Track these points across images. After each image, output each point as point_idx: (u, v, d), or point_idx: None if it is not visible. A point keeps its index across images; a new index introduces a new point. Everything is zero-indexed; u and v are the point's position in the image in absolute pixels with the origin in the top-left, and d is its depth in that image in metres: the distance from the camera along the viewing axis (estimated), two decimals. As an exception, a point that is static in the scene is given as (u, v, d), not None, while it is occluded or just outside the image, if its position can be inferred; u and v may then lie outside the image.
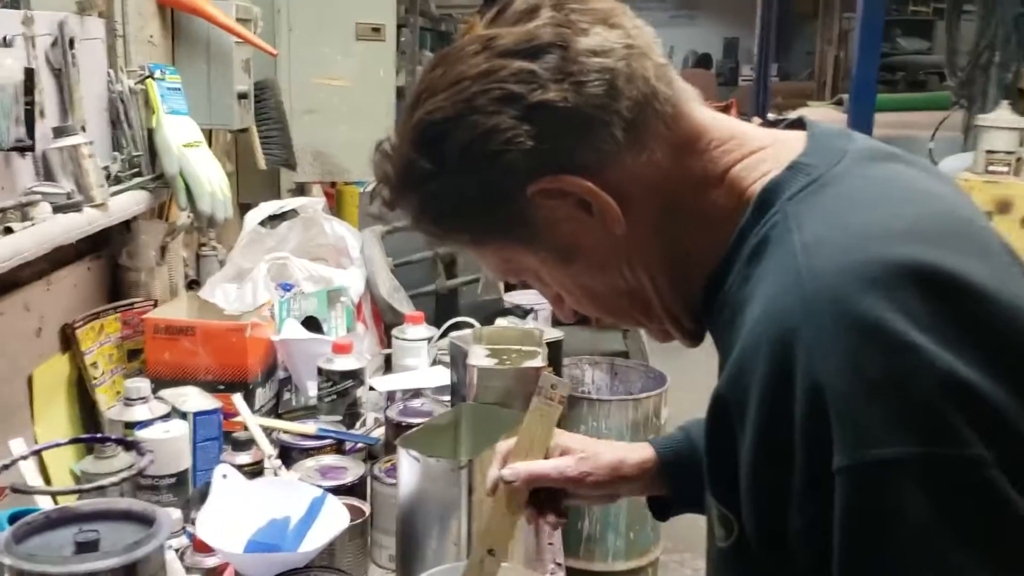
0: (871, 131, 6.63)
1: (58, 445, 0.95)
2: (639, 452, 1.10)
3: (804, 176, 0.76)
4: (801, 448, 0.66)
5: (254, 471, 1.48)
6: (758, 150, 0.81)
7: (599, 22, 0.78)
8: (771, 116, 8.15)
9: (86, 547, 0.79)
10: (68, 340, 1.66)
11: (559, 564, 1.49)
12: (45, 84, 1.52)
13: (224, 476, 1.27)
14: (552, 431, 1.03)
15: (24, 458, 0.94)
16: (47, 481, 1.52)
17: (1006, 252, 0.72)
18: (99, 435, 1.14)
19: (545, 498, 1.05)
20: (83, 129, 1.61)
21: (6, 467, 0.89)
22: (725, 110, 8.51)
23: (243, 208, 2.51)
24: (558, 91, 0.75)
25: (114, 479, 0.82)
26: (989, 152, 3.67)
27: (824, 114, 7.96)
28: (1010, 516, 0.62)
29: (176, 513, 1.32)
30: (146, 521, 0.84)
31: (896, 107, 7.64)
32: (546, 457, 1.04)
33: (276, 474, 1.42)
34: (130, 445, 1.11)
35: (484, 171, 0.77)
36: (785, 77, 12.73)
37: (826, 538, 0.65)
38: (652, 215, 0.81)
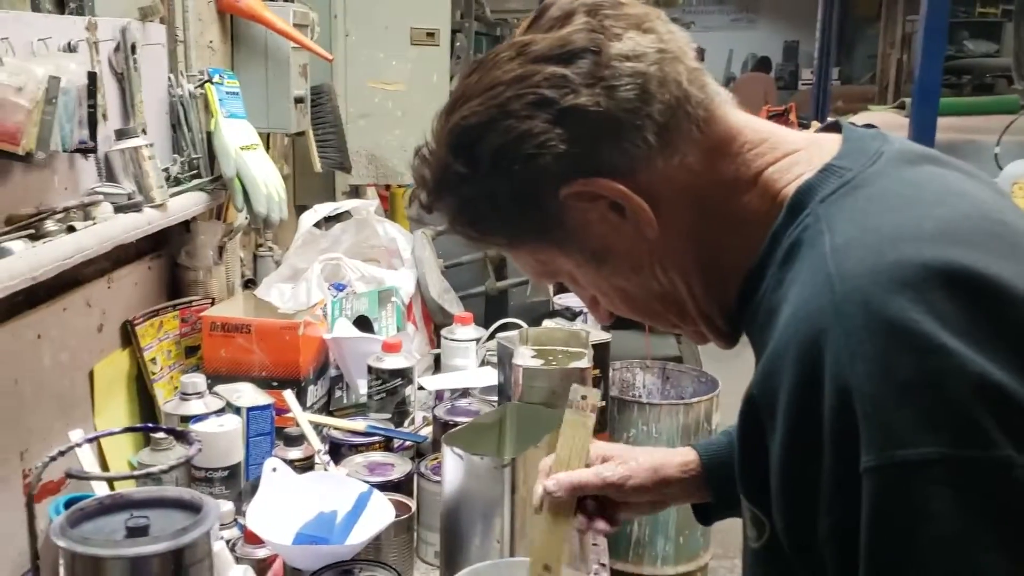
0: (934, 136, 6.49)
1: (111, 434, 0.99)
2: (680, 455, 1.10)
3: (837, 178, 0.76)
4: (829, 449, 0.66)
5: (304, 466, 1.52)
6: (792, 152, 0.81)
7: (633, 27, 0.79)
8: (831, 120, 8.03)
9: (136, 532, 0.82)
10: (128, 336, 1.72)
11: (603, 565, 1.50)
12: (107, 88, 1.57)
13: (274, 470, 1.31)
14: (588, 440, 1.04)
15: (78, 445, 0.98)
16: (105, 470, 1.57)
17: None
18: (150, 424, 1.17)
19: (594, 509, 1.07)
20: (144, 132, 1.67)
21: (61, 454, 0.93)
22: (784, 114, 8.41)
23: (299, 210, 2.56)
24: (590, 95, 0.76)
25: (163, 467, 0.85)
26: (1055, 155, 3.56)
27: (885, 118, 7.81)
28: None
29: (228, 505, 1.35)
30: (195, 509, 0.87)
31: (961, 111, 7.45)
32: (587, 466, 1.05)
33: (325, 469, 1.45)
34: (180, 435, 1.14)
35: (517, 174, 0.78)
36: (846, 80, 12.51)
37: (854, 539, 0.65)
38: (685, 218, 0.81)
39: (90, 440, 0.93)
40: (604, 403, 1.81)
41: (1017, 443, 0.61)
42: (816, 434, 0.66)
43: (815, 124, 8.21)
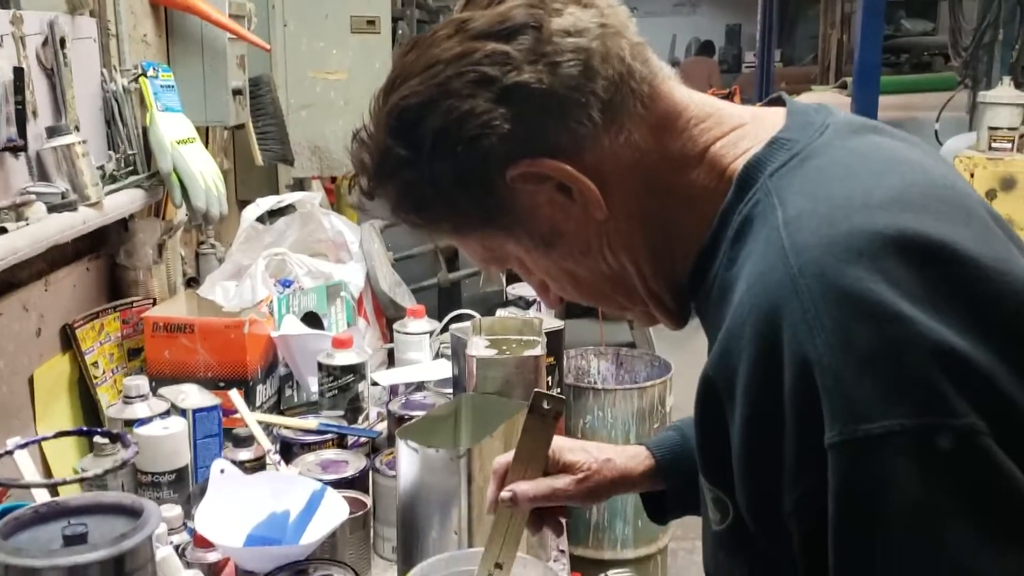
0: (876, 114, 6.60)
1: (44, 439, 0.95)
2: (641, 463, 1.08)
3: (785, 151, 0.75)
4: (791, 425, 0.65)
5: (255, 467, 1.48)
6: (737, 127, 0.80)
7: (572, 2, 0.77)
8: (773, 94, 8.10)
9: (74, 540, 0.78)
10: (68, 340, 1.67)
11: (562, 551, 1.49)
12: (37, 84, 1.52)
13: (222, 471, 1.27)
14: (547, 446, 1.00)
15: (9, 452, 0.94)
16: (48, 476, 1.52)
17: (989, 216, 0.71)
18: (83, 428, 1.13)
19: (546, 509, 1.04)
20: (77, 128, 1.61)
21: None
22: (728, 97, 8.47)
23: (242, 205, 2.50)
24: (533, 72, 0.74)
25: (98, 471, 0.82)
26: (992, 129, 3.63)
27: (828, 98, 7.92)
28: (1009, 487, 0.61)
29: (176, 509, 1.31)
30: (135, 514, 0.84)
31: (901, 89, 7.59)
32: (545, 473, 1.01)
33: (277, 469, 1.42)
34: (115, 437, 1.10)
35: (461, 156, 0.76)
36: (788, 62, 12.67)
37: (819, 513, 0.65)
38: (632, 197, 0.79)
39: (22, 446, 0.89)
40: (559, 390, 1.80)
41: (979, 409, 0.61)
42: (778, 409, 0.66)
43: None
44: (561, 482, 1.01)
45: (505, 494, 0.99)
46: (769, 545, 0.71)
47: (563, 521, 1.07)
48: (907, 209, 0.67)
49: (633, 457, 1.08)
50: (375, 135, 0.80)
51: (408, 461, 1.25)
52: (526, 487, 0.98)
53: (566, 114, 0.75)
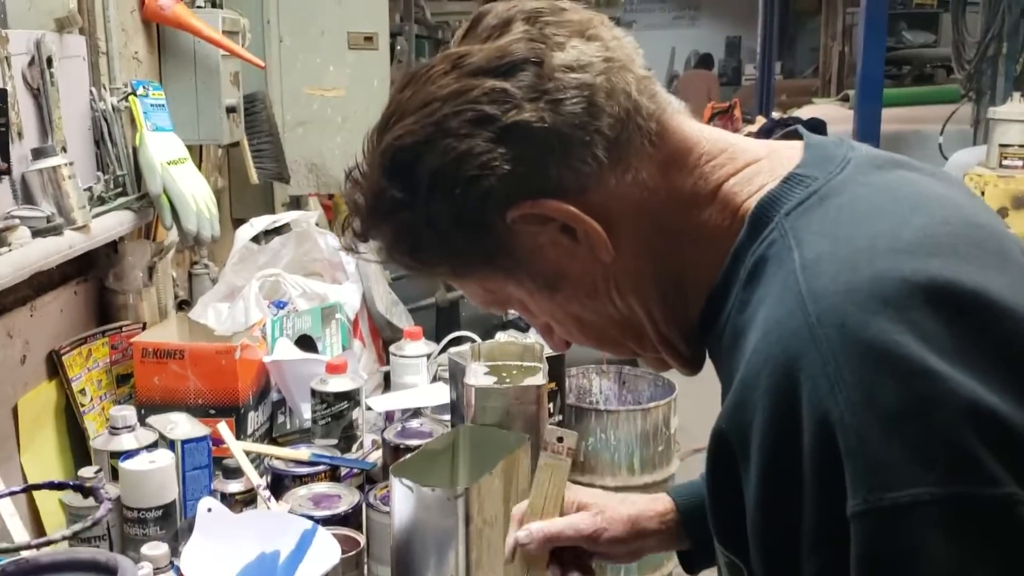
0: (879, 126, 6.58)
1: (12, 493, 0.89)
2: (659, 504, 1.04)
3: (802, 188, 0.71)
4: (810, 489, 0.60)
5: (246, 499, 1.43)
6: (752, 163, 0.75)
7: (576, 35, 0.73)
8: (775, 115, 8.08)
9: (43, 605, 0.74)
10: (55, 367, 1.62)
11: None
12: (22, 104, 1.47)
13: (209, 510, 1.22)
14: (563, 485, 0.97)
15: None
16: (34, 511, 1.47)
17: None
18: (55, 482, 1.08)
19: (568, 557, 1.00)
20: (64, 150, 1.57)
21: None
22: (728, 110, 8.45)
23: (237, 224, 2.46)
24: (534, 110, 0.70)
25: (66, 533, 0.77)
26: (1003, 146, 3.58)
27: (830, 111, 7.90)
28: None
29: (163, 547, 1.26)
30: (110, 572, 0.79)
31: (903, 102, 7.56)
32: (562, 514, 0.98)
33: (267, 505, 1.36)
34: (88, 492, 1.05)
35: (459, 198, 0.72)
36: (789, 75, 12.65)
37: None
38: (641, 238, 0.76)
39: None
40: (561, 418, 1.75)
41: (1018, 476, 0.56)
42: (796, 471, 0.61)
43: (760, 119, 8.27)
44: (580, 520, 0.98)
45: (521, 534, 0.96)
46: None
47: (588, 568, 1.02)
48: (937, 253, 0.62)
49: (654, 499, 1.05)
50: (369, 175, 0.76)
51: (402, 500, 1.20)
52: (541, 525, 0.96)
53: (569, 153, 0.72)
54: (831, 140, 0.76)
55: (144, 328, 1.79)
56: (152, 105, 1.77)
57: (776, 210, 0.70)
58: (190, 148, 1.92)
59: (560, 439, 0.95)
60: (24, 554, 0.84)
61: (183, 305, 2.06)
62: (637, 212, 0.75)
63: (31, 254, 1.39)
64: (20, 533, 1.05)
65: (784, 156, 0.75)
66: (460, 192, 0.72)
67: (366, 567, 1.36)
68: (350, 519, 1.36)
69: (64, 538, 0.76)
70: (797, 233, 0.68)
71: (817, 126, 7.19)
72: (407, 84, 0.76)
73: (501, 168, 0.71)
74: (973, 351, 0.58)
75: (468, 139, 0.71)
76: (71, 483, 0.98)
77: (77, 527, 0.77)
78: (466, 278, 0.81)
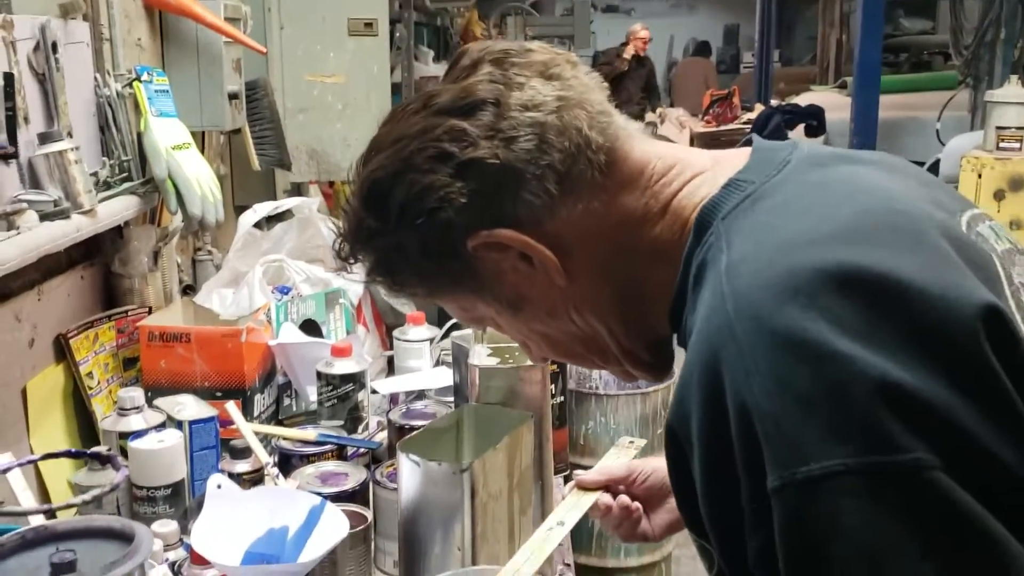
0: (877, 113, 6.58)
1: (31, 462, 0.91)
2: None
3: (739, 193, 0.75)
4: (742, 472, 0.63)
5: (254, 479, 1.45)
6: (699, 173, 0.80)
7: (537, 75, 0.79)
8: (774, 102, 8.09)
9: (62, 568, 0.75)
10: (62, 350, 1.63)
11: (568, 564, 1.46)
12: (28, 89, 1.48)
13: (219, 486, 1.24)
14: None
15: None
16: (43, 493, 1.49)
17: (948, 241, 0.67)
18: (72, 451, 1.10)
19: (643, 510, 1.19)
20: (70, 135, 1.58)
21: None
22: (727, 97, 8.45)
23: (239, 211, 2.47)
24: (489, 148, 0.76)
25: (86, 497, 0.78)
26: (1000, 129, 3.59)
27: (828, 98, 7.90)
28: (966, 522, 0.58)
29: (172, 525, 1.28)
30: (126, 539, 0.81)
31: (901, 88, 7.56)
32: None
33: (275, 483, 1.38)
34: (105, 460, 1.07)
35: (423, 228, 0.79)
36: (787, 63, 12.65)
37: (778, 562, 0.62)
38: (596, 261, 0.81)
39: (5, 470, 0.86)
40: (563, 399, 1.77)
41: (929, 443, 0.58)
42: (729, 458, 0.64)
43: (758, 107, 8.27)
44: (614, 465, 1.19)
45: (575, 479, 1.20)
46: None
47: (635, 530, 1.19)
48: (852, 242, 0.65)
49: None
50: (352, 204, 0.84)
51: (409, 475, 1.22)
52: (585, 474, 1.21)
53: (521, 187, 0.77)
54: (779, 144, 0.81)
55: (150, 312, 1.81)
56: (156, 91, 1.78)
57: (715, 215, 0.75)
58: (193, 135, 1.93)
59: (632, 441, 1.25)
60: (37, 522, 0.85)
61: (188, 290, 2.08)
62: (590, 238, 0.80)
63: (38, 237, 1.40)
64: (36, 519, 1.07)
65: (729, 164, 0.79)
66: (423, 222, 0.78)
67: (373, 542, 1.38)
68: (357, 495, 1.38)
69: (84, 503, 0.78)
70: (729, 236, 0.71)
71: (815, 113, 7.19)
72: (388, 120, 0.83)
73: (458, 201, 0.77)
74: (884, 331, 0.60)
75: (430, 174, 0.77)
76: (88, 452, 0.99)
77: (96, 492, 0.79)
78: (441, 298, 0.89)
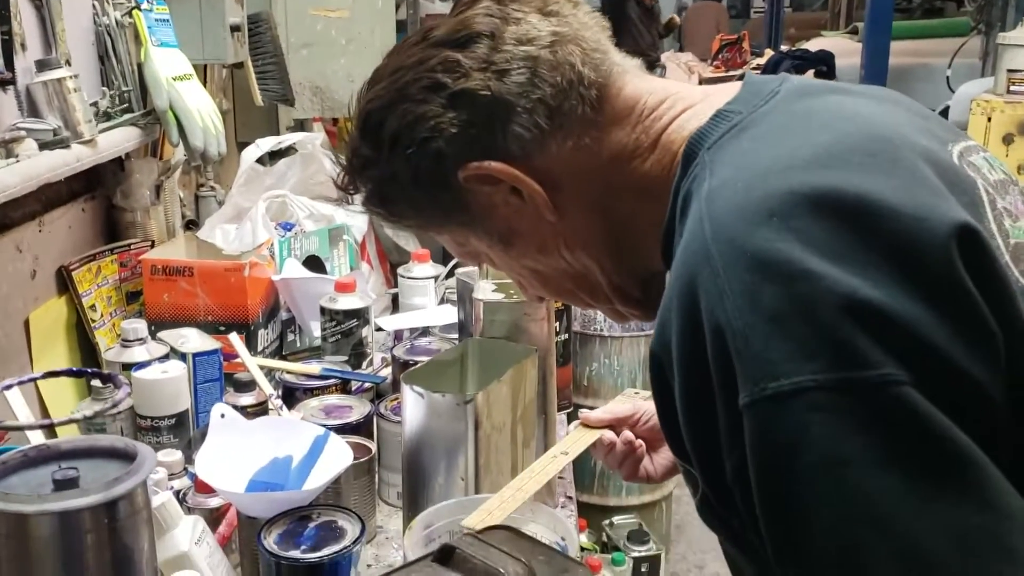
0: (887, 60, 6.48)
1: (33, 379, 0.91)
2: None
3: (726, 123, 0.75)
4: (718, 392, 0.63)
5: (257, 412, 1.45)
6: (689, 107, 0.80)
7: (535, 11, 0.80)
8: (784, 48, 7.97)
9: (64, 484, 0.75)
10: (65, 282, 1.63)
11: (570, 497, 1.47)
12: (24, 15, 1.46)
13: (222, 416, 1.23)
14: None
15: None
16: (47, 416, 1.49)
17: (927, 163, 0.67)
18: (74, 369, 1.09)
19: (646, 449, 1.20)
20: (68, 63, 1.56)
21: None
22: (737, 42, 8.33)
23: (241, 146, 2.45)
24: (481, 79, 0.77)
25: (87, 412, 0.78)
26: (1011, 71, 3.52)
27: (839, 44, 7.78)
28: (935, 436, 0.58)
29: (176, 454, 1.28)
30: (129, 457, 0.80)
31: (913, 35, 7.45)
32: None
33: (279, 415, 1.38)
34: (106, 378, 1.06)
35: (415, 157, 0.80)
36: (798, 7, 12.44)
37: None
38: (587, 197, 0.82)
39: (8, 386, 0.85)
40: (567, 336, 1.77)
41: (898, 359, 0.58)
42: (706, 379, 0.64)
43: (768, 52, 8.15)
44: (619, 407, 1.21)
45: (580, 417, 1.22)
46: (728, 515, 0.68)
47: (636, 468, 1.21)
48: (828, 165, 0.65)
49: None
50: (351, 133, 0.85)
51: (413, 406, 1.21)
52: (590, 412, 1.22)
53: (511, 120, 0.78)
54: (769, 77, 0.80)
55: (152, 246, 1.80)
56: (156, 20, 1.75)
57: (702, 146, 0.74)
58: (194, 68, 1.90)
59: (637, 392, 1.26)
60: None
61: (191, 225, 2.07)
62: (580, 174, 0.80)
63: (38, 166, 1.39)
64: (34, 433, 1.07)
65: (719, 97, 0.79)
66: (414, 151, 0.79)
67: (377, 474, 1.38)
68: (361, 428, 1.38)
69: (85, 418, 0.77)
70: (713, 165, 0.71)
71: (826, 59, 7.09)
72: (391, 52, 0.85)
73: (448, 131, 0.78)
74: (855, 250, 0.60)
75: (423, 104, 0.78)
76: (90, 370, 0.99)
77: (98, 407, 0.79)
78: (434, 231, 0.90)
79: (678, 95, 0.82)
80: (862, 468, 0.58)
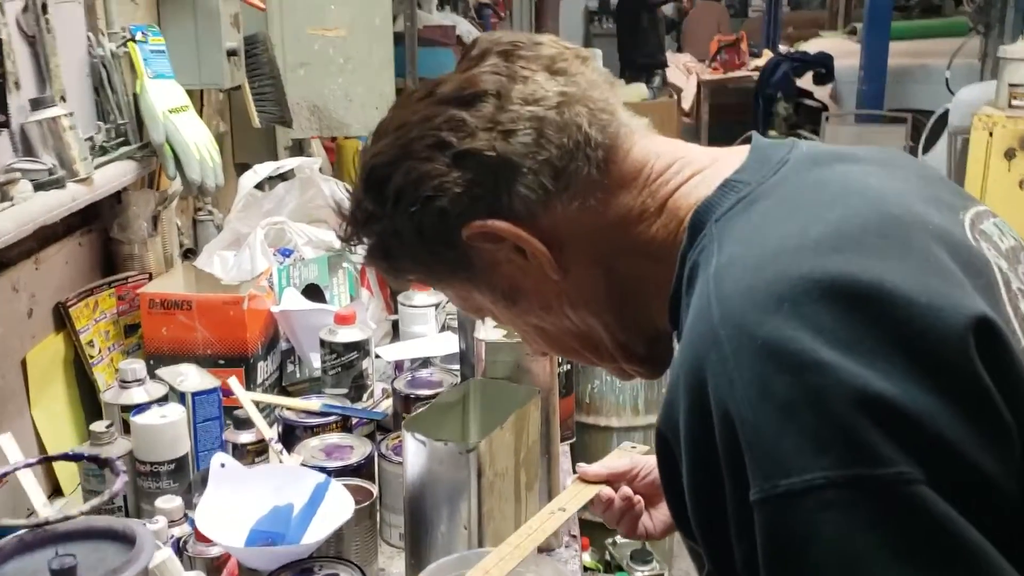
0: (886, 61, 6.46)
1: (29, 465, 0.89)
2: None
3: (734, 194, 0.73)
4: (727, 480, 0.62)
5: (258, 449, 1.44)
6: (697, 172, 0.79)
7: (543, 69, 0.79)
8: (782, 49, 7.95)
9: (62, 575, 0.73)
10: (62, 319, 1.61)
11: (574, 536, 1.45)
12: (18, 53, 1.44)
13: (222, 465, 1.22)
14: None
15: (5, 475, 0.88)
16: (49, 467, 1.48)
17: (941, 245, 0.66)
18: (71, 453, 1.08)
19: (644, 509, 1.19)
20: (63, 99, 1.54)
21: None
22: (735, 43, 8.30)
23: (239, 168, 2.43)
24: (486, 140, 0.76)
25: (84, 508, 0.76)
26: (1012, 86, 3.51)
27: (837, 44, 7.77)
28: (949, 536, 0.56)
29: (176, 500, 1.27)
30: (127, 540, 0.79)
31: (911, 35, 7.44)
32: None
33: (280, 458, 1.37)
34: (103, 463, 1.05)
35: (419, 215, 0.79)
36: (796, 7, 12.41)
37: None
38: (592, 257, 0.81)
39: (3, 475, 0.83)
40: (568, 367, 1.76)
41: (911, 456, 0.57)
42: (715, 465, 0.63)
43: (766, 53, 8.13)
44: (616, 461, 1.20)
45: (578, 471, 1.21)
46: None
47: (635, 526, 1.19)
48: (840, 248, 0.63)
49: None
50: (356, 186, 0.84)
51: (415, 453, 1.20)
52: (588, 467, 1.20)
53: (516, 180, 0.77)
54: (777, 143, 0.79)
55: (150, 278, 1.78)
56: (152, 51, 1.73)
57: (709, 217, 0.73)
58: (191, 93, 1.88)
59: (634, 447, 1.25)
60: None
61: (188, 254, 2.05)
62: (585, 234, 0.79)
63: (33, 208, 1.37)
64: (37, 495, 1.05)
65: (728, 163, 0.78)
66: (418, 209, 0.78)
67: (379, 515, 1.37)
68: (363, 469, 1.36)
69: (82, 514, 0.76)
70: (721, 239, 0.70)
71: (824, 61, 7.08)
72: (396, 105, 0.84)
73: (453, 190, 0.77)
74: (868, 341, 0.59)
75: (427, 162, 0.77)
76: (86, 455, 0.97)
77: (95, 502, 0.77)
78: (438, 286, 0.90)
79: (685, 159, 0.81)
80: (874, 566, 0.57)
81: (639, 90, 7.35)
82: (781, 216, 0.69)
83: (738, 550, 0.63)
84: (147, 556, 0.77)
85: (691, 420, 0.65)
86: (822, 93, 7.38)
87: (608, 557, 2.70)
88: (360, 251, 0.89)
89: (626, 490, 1.17)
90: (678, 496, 0.69)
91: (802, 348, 0.59)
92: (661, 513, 1.19)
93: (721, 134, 8.12)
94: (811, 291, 0.61)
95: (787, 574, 0.59)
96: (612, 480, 1.19)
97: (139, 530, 0.79)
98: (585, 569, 2.46)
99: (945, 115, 5.04)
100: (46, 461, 0.93)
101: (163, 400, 1.43)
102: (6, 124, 1.36)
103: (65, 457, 1.04)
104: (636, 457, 1.21)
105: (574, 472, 1.23)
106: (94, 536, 0.79)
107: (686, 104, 8.19)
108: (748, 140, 0.81)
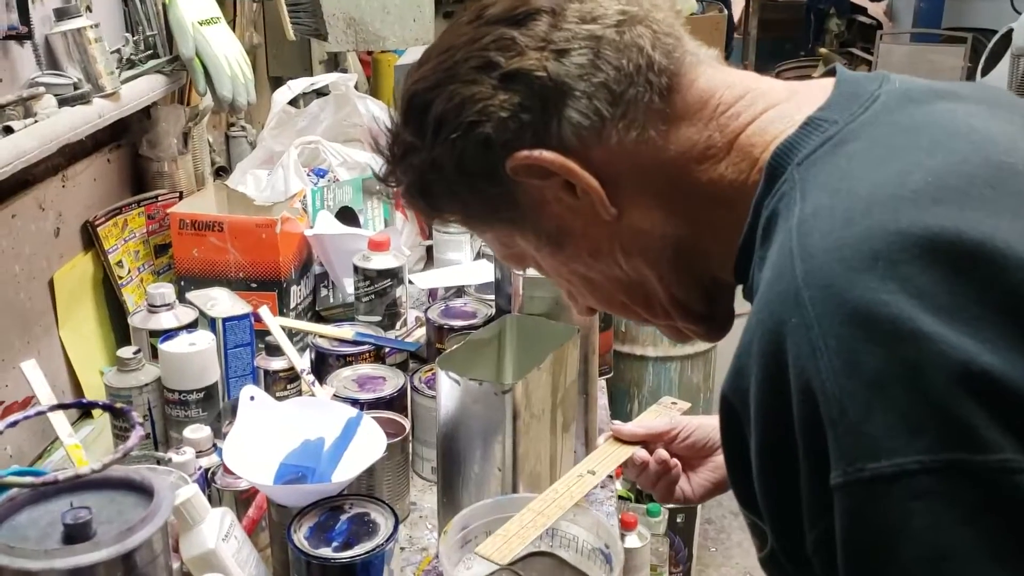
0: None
1: (39, 414, 0.85)
2: None
3: (819, 134, 0.65)
4: (804, 461, 0.56)
5: (290, 376, 1.41)
6: (772, 106, 0.70)
7: None
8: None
9: (75, 530, 0.69)
10: (90, 238, 1.57)
11: (610, 477, 1.41)
12: (40, -40, 1.37)
13: (251, 398, 1.19)
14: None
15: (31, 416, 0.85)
16: (75, 384, 1.46)
17: None
18: (84, 400, 1.04)
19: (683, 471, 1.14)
20: (89, 9, 1.48)
21: (11, 425, 0.80)
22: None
23: (274, 82, 2.37)
24: (537, 59, 0.70)
25: (95, 467, 0.72)
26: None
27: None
28: None
29: (205, 431, 1.25)
30: (145, 492, 0.75)
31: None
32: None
33: (311, 390, 1.34)
34: (118, 413, 1.01)
35: (460, 143, 0.72)
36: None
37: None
38: (649, 198, 0.73)
39: (11, 424, 0.80)
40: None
41: (1020, 442, 0.50)
42: (790, 441, 0.56)
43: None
44: (655, 421, 1.15)
45: (611, 429, 1.15)
46: (800, 574, 0.61)
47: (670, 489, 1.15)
48: (943, 199, 0.55)
49: None
50: (394, 119, 0.78)
51: (449, 391, 1.16)
52: (623, 426, 1.15)
53: (568, 104, 0.70)
54: (866, 76, 0.70)
55: (181, 197, 1.74)
56: (180, -42, 1.65)
57: (790, 159, 0.65)
58: (223, 3, 1.81)
59: (675, 402, 1.19)
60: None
61: (220, 172, 2.00)
62: (643, 170, 0.72)
63: (58, 125, 1.32)
64: (63, 425, 1.02)
65: (809, 97, 0.69)
66: (459, 136, 0.72)
67: (411, 447, 1.34)
68: (395, 402, 1.33)
69: (93, 472, 0.72)
70: (804, 185, 0.63)
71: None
72: (443, 32, 0.77)
73: (499, 114, 0.70)
74: (973, 307, 0.52)
75: (472, 85, 0.71)
76: (100, 403, 0.93)
77: (107, 460, 0.73)
78: (477, 228, 0.83)
79: (759, 90, 0.72)
80: (968, 563, 0.51)
81: (688, 3, 7.09)
82: (874, 161, 0.61)
83: (811, 535, 0.57)
84: (165, 511, 0.73)
85: (765, 390, 0.58)
86: (876, 9, 7.08)
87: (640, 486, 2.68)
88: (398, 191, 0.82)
89: (662, 453, 1.12)
90: (742, 468, 0.64)
91: (898, 314, 0.52)
92: (700, 477, 1.14)
93: (771, 50, 7.86)
94: (910, 248, 0.53)
95: (869, 569, 0.54)
96: (649, 441, 1.13)
97: (157, 482, 0.75)
98: (618, 498, 2.44)
99: (1008, 34, 4.80)
100: (61, 408, 0.89)
101: (192, 326, 1.40)
102: (29, 35, 1.30)
103: (79, 404, 1.00)
104: (675, 417, 1.16)
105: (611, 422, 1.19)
106: (111, 486, 0.76)
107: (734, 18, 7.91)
108: (832, 73, 0.72)
